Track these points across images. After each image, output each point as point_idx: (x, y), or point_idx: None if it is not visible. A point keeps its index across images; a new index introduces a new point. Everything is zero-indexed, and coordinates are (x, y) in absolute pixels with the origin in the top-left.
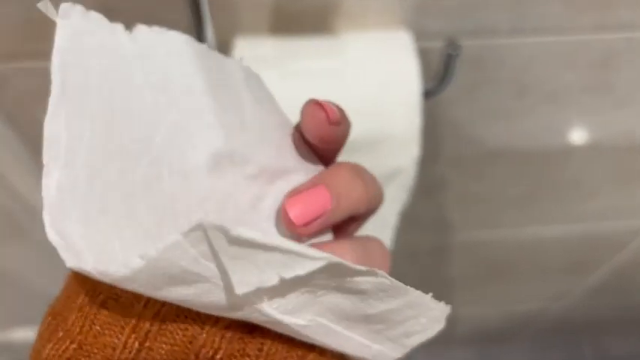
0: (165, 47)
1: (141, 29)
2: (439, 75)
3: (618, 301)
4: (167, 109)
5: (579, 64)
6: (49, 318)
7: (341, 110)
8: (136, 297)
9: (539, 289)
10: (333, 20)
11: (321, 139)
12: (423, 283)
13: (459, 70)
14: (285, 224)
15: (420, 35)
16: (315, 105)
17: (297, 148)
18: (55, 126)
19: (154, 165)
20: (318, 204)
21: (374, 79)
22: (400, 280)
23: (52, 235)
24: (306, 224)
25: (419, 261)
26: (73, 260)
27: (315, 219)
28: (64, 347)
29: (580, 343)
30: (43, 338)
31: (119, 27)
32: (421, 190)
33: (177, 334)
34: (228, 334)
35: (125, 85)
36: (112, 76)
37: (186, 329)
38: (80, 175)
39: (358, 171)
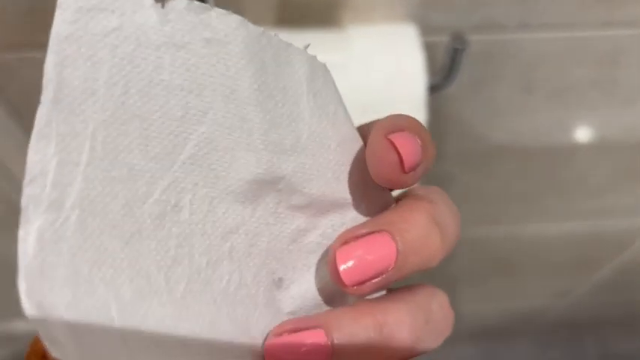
0: (207, 32)
1: (177, 4)
2: (445, 70)
3: (622, 300)
4: (199, 119)
5: (587, 61)
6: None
7: (425, 145)
8: None
9: (542, 286)
10: (339, 13)
11: (390, 185)
12: (426, 280)
13: (465, 65)
14: (333, 278)
15: (426, 29)
16: (386, 144)
17: (364, 172)
18: (40, 153)
19: (173, 190)
20: (378, 259)
21: (379, 73)
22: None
23: (30, 310)
24: (360, 284)
25: None
26: (57, 350)
27: (370, 278)
28: None
29: (584, 341)
30: (39, 348)
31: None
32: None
33: None
34: None
35: (146, 83)
36: (128, 71)
37: None
38: (70, 218)
39: (438, 213)
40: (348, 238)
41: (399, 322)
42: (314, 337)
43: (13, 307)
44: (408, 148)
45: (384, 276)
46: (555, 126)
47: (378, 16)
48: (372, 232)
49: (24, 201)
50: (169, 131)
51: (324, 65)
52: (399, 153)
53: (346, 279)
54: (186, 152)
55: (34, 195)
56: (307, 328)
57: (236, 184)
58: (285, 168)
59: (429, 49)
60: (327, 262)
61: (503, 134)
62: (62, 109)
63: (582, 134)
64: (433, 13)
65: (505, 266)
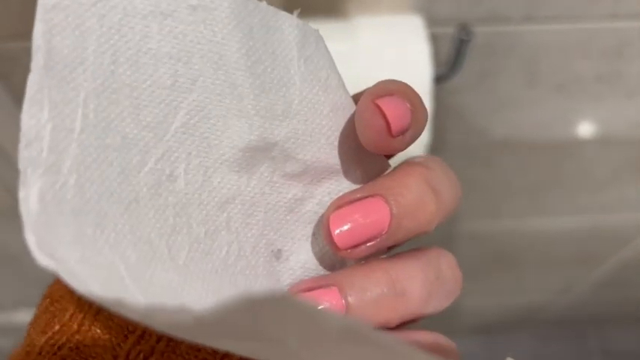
0: (192, 0)
1: None
2: (450, 61)
3: (625, 295)
4: (189, 87)
5: (592, 53)
6: (47, 301)
7: (415, 109)
8: None
9: (544, 281)
10: (345, 4)
11: (379, 150)
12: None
13: (470, 57)
14: (327, 242)
15: (432, 21)
16: (373, 108)
17: (358, 138)
18: (34, 118)
19: (167, 159)
20: (372, 223)
21: (385, 63)
22: None
23: (43, 259)
24: (352, 248)
25: None
26: (84, 285)
27: (364, 242)
28: (59, 343)
29: (586, 337)
30: (38, 325)
31: None
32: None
33: (188, 354)
34: None
35: (134, 52)
36: (116, 41)
37: (199, 351)
38: (69, 182)
39: (433, 178)
40: (342, 203)
41: (411, 278)
42: (328, 296)
43: (15, 298)
44: (395, 111)
45: (378, 240)
46: (559, 119)
47: (384, 7)
48: (366, 197)
49: (22, 164)
50: (160, 100)
51: (317, 31)
52: (385, 117)
53: (339, 242)
54: (177, 121)
55: (32, 158)
56: (321, 287)
57: (229, 153)
58: (277, 134)
59: (435, 41)
60: (322, 226)
61: (506, 127)
62: (53, 76)
63: (586, 128)
64: (439, 5)
65: (507, 261)
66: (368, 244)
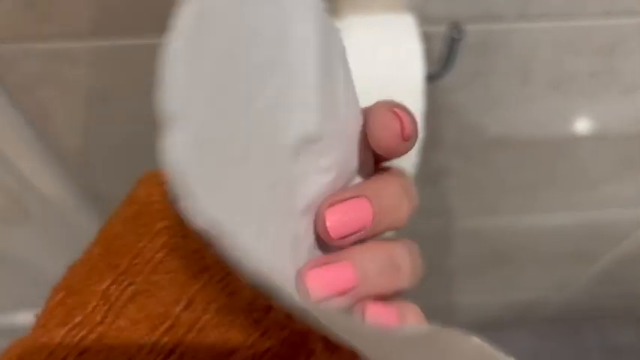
0: None
1: None
2: (442, 59)
3: (621, 291)
4: (278, 69)
5: (586, 51)
6: (62, 293)
7: (415, 122)
8: (176, 299)
9: (541, 278)
10: (337, 3)
11: (388, 152)
12: (425, 271)
13: (462, 55)
14: (320, 231)
15: (425, 19)
16: (392, 113)
17: (362, 147)
18: (176, 69)
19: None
20: (358, 218)
21: (377, 62)
22: None
23: (204, 222)
24: (342, 238)
25: (420, 248)
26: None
27: (352, 234)
28: (81, 335)
29: (584, 333)
30: (54, 317)
31: None
32: (423, 176)
33: (217, 344)
34: (271, 354)
35: (243, 30)
36: (232, 17)
37: (229, 340)
38: (208, 136)
39: (407, 187)
40: (334, 201)
41: (403, 255)
42: (341, 269)
43: (15, 300)
44: (407, 118)
45: (362, 232)
46: (554, 116)
47: (376, 6)
48: (355, 197)
49: (167, 109)
50: (255, 76)
51: (344, 47)
52: (401, 121)
53: (333, 233)
54: (262, 101)
55: (175, 110)
56: (333, 262)
57: (290, 140)
58: (326, 130)
59: (427, 39)
60: (317, 219)
61: (501, 125)
62: (187, 38)
63: (581, 125)
64: (431, 3)
65: (503, 258)
66: (353, 236)
